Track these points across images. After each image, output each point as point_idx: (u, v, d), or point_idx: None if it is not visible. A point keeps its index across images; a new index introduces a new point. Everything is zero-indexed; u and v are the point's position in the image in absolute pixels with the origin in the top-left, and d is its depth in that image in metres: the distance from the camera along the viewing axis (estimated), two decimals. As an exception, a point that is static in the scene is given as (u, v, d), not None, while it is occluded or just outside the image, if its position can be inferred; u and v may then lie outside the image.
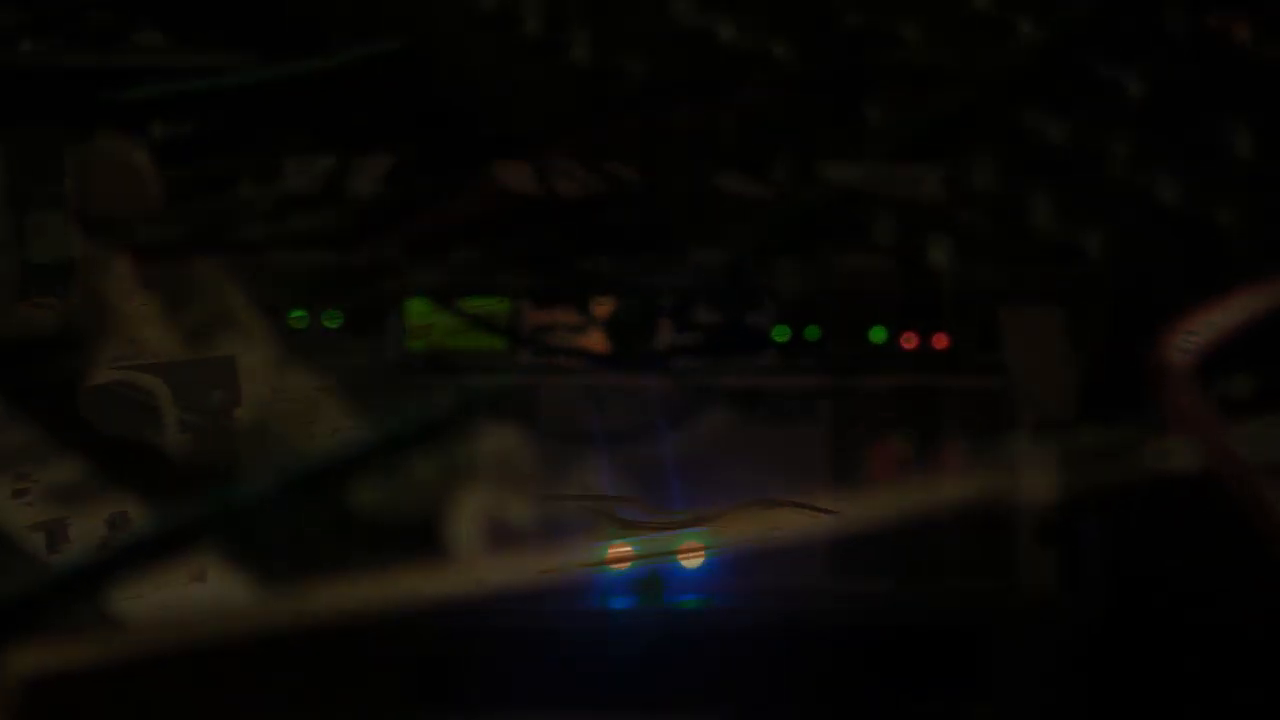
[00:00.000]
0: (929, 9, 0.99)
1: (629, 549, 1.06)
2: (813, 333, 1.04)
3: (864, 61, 0.99)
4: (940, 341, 1.05)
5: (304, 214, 0.98)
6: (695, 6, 1.00)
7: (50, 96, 1.01)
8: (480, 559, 1.02)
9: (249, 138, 0.99)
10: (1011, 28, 0.98)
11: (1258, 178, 0.98)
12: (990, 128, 0.99)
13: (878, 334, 1.04)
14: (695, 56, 0.99)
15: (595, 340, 1.04)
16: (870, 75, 0.98)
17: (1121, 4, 0.99)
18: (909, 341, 1.04)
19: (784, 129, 0.98)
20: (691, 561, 1.06)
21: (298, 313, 1.02)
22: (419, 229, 0.99)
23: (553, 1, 0.99)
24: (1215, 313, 0.98)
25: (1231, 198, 0.97)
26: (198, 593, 0.96)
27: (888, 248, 0.99)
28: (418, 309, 1.03)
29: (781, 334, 1.06)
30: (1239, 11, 0.98)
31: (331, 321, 1.03)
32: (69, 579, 0.89)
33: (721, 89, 0.98)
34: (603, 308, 1.04)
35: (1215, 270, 0.97)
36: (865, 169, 1.00)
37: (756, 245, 1.00)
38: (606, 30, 0.98)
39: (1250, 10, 0.98)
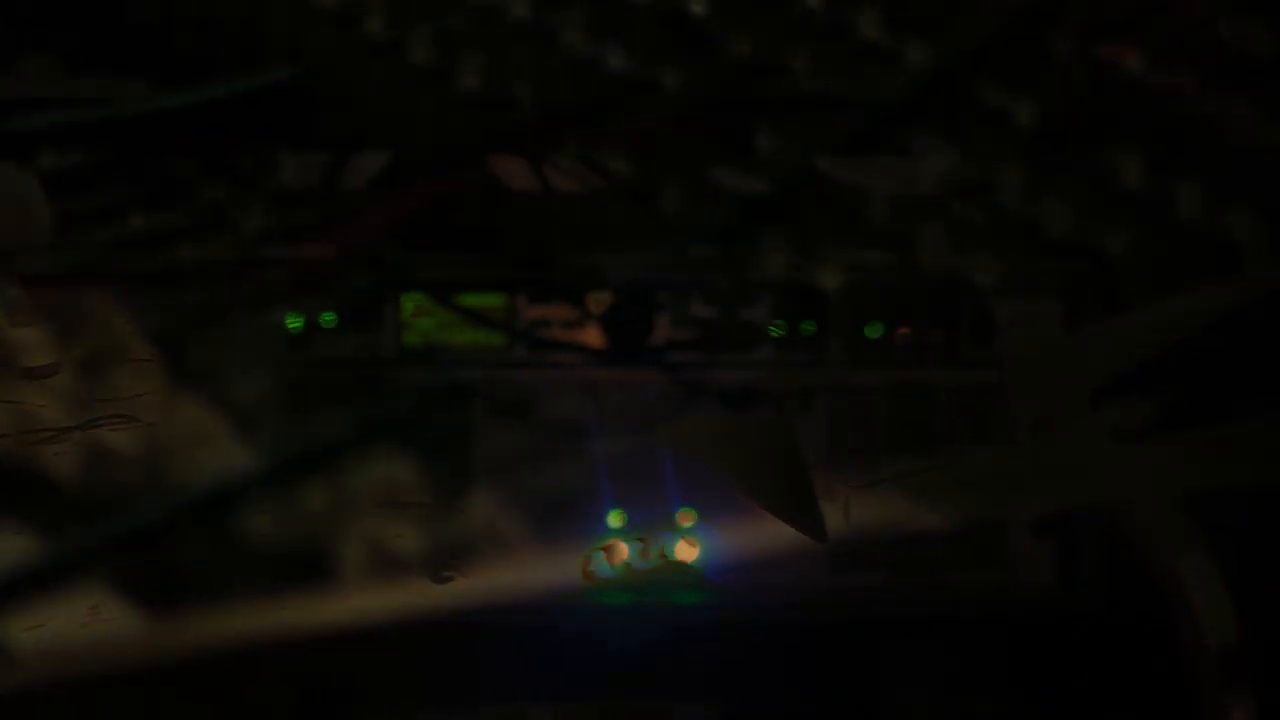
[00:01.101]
0: (817, 38, 0.99)
1: (625, 545, 1.06)
2: (808, 328, 1.05)
3: (753, 90, 0.99)
4: (936, 336, 1.06)
5: (193, 243, 0.98)
6: (585, 36, 1.00)
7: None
8: (368, 582, 1.02)
9: (139, 167, 0.99)
10: (899, 56, 0.98)
11: (1146, 206, 0.98)
12: (879, 155, 0.99)
13: (873, 329, 1.05)
14: (584, 84, 0.99)
15: (591, 336, 1.06)
16: (760, 103, 0.98)
17: (1011, 33, 0.99)
18: (904, 336, 1.05)
19: (673, 155, 0.99)
20: (687, 556, 1.07)
21: (293, 316, 1.03)
22: (308, 259, 0.99)
23: (441, 32, 0.99)
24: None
25: (1120, 226, 0.97)
26: (89, 623, 0.96)
27: (884, 242, 0.99)
28: (413, 305, 1.04)
29: (777, 329, 1.06)
30: (1128, 41, 0.98)
31: (328, 320, 1.03)
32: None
33: (611, 116, 0.98)
34: (598, 303, 1.04)
35: (1102, 297, 0.98)
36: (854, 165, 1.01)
37: (752, 240, 1.00)
38: (496, 59, 0.98)
39: (1140, 40, 0.98)
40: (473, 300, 1.04)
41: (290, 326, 1.03)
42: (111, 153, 0.99)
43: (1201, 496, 0.96)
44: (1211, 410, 0.97)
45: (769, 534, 1.06)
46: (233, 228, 0.98)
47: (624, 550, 1.05)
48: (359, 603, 1.04)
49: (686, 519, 1.06)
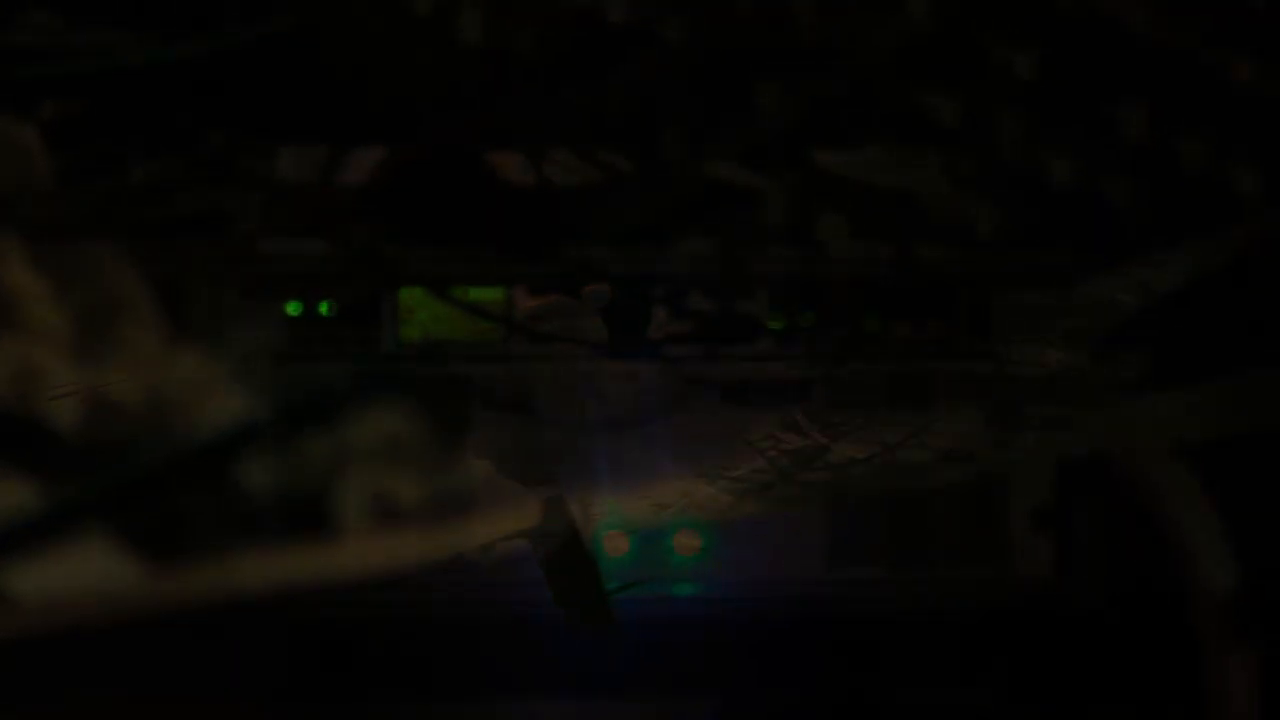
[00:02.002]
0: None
1: (623, 536, 1.06)
2: (807, 320, 1.05)
3: (755, 41, 0.99)
4: (933, 328, 1.05)
5: (195, 195, 0.98)
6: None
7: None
8: (368, 539, 1.01)
9: (139, 118, 0.99)
10: (901, 7, 0.98)
11: (1148, 157, 0.98)
12: (881, 107, 0.99)
13: (871, 321, 1.05)
14: (584, 36, 0.99)
15: (589, 328, 1.05)
16: (761, 55, 0.98)
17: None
18: (902, 328, 1.05)
19: (673, 109, 0.98)
20: (685, 549, 1.07)
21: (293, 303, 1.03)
22: (315, 208, 0.99)
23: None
24: (1107, 289, 0.98)
25: (1123, 177, 0.97)
26: (86, 572, 0.96)
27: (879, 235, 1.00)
28: (412, 297, 1.04)
29: (776, 321, 1.06)
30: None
31: (326, 309, 1.03)
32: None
33: (610, 68, 0.98)
34: (597, 295, 1.04)
35: (1106, 248, 0.97)
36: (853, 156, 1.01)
37: (751, 233, 1.00)
38: (496, 10, 0.98)
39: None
40: (470, 293, 1.04)
41: (290, 312, 1.03)
42: (112, 103, 0.99)
43: (1202, 447, 0.96)
44: (1211, 359, 0.97)
45: (766, 526, 1.06)
46: (234, 177, 0.99)
47: (622, 542, 1.05)
48: (358, 555, 1.04)
49: (684, 511, 1.06)
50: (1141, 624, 1.02)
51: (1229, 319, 0.97)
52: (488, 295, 1.04)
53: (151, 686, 0.98)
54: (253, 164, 1.01)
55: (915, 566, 1.04)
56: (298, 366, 1.01)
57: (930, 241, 1.00)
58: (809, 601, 1.04)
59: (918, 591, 1.04)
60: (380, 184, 1.00)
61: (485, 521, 1.02)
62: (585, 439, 1.04)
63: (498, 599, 1.03)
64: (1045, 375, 0.99)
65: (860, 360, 1.03)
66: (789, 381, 1.04)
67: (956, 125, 0.98)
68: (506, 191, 1.01)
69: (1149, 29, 0.97)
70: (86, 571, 0.95)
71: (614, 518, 1.04)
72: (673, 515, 1.03)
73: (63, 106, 0.99)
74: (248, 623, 1.01)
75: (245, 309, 1.00)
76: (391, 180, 1.00)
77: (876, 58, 0.97)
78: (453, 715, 1.05)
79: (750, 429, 1.05)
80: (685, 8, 0.98)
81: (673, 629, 1.04)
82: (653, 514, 1.03)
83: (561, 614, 1.02)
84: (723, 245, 1.00)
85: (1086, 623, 1.03)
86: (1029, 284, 1.01)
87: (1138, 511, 0.99)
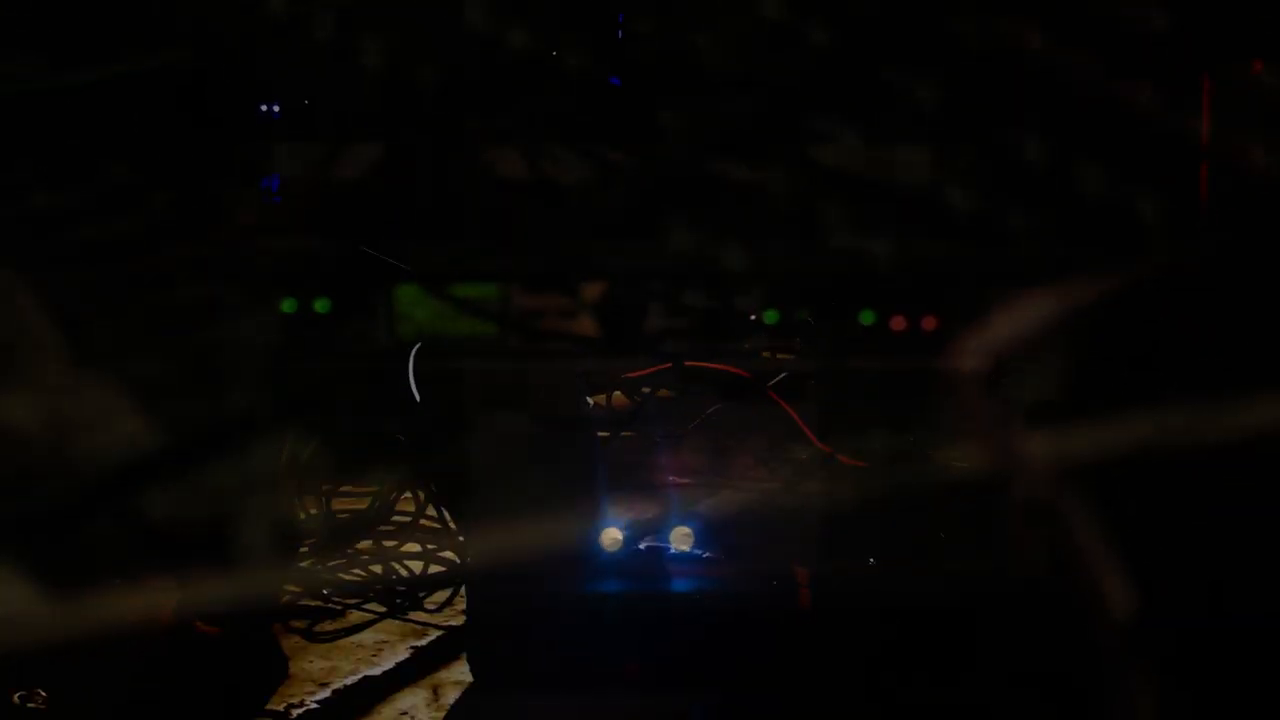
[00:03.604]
0: (719, 16, 0.99)
1: (620, 532, 1.06)
2: (802, 316, 1.05)
3: (657, 70, 0.99)
4: (929, 323, 1.06)
5: (94, 223, 0.97)
6: (487, 13, 0.99)
7: None
8: (270, 562, 1.02)
9: (40, 147, 0.99)
10: (801, 35, 0.98)
11: (1048, 183, 0.98)
12: (781, 134, 0.99)
13: (867, 316, 1.05)
14: (487, 62, 0.99)
15: (586, 325, 1.05)
16: (663, 83, 0.98)
17: (909, 10, 0.99)
18: (898, 324, 1.05)
19: (577, 133, 0.99)
20: (682, 544, 1.07)
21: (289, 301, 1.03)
22: (213, 237, 0.99)
23: (344, 10, 0.99)
24: (1005, 318, 0.98)
25: (1022, 204, 0.97)
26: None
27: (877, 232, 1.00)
28: (407, 295, 1.04)
29: (772, 317, 1.06)
30: (1028, 17, 0.98)
31: (322, 307, 1.03)
32: None
33: (514, 95, 0.98)
34: (593, 292, 1.04)
35: (1006, 276, 0.98)
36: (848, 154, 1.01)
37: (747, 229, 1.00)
38: (398, 37, 0.98)
39: (1040, 16, 0.98)
40: (466, 290, 1.03)
41: (284, 310, 1.03)
42: (12, 132, 0.99)
43: (1099, 473, 0.96)
44: (1111, 387, 0.97)
45: (762, 521, 1.06)
46: (135, 208, 0.98)
47: (619, 538, 1.06)
48: (262, 581, 1.04)
49: (681, 508, 1.07)
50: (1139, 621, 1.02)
51: (1129, 345, 0.98)
52: (483, 292, 1.04)
53: (61, 711, 0.98)
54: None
55: (909, 560, 1.05)
56: (294, 364, 1.01)
57: (928, 237, 1.00)
58: (802, 595, 1.04)
59: (911, 585, 1.05)
60: (374, 182, 1.00)
61: (483, 519, 1.02)
62: (583, 436, 1.05)
63: (497, 595, 1.04)
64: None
65: (856, 355, 1.04)
66: (784, 376, 1.05)
67: (857, 149, 0.98)
68: (502, 188, 1.01)
69: (1049, 58, 0.97)
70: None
71: (612, 515, 1.05)
72: (670, 512, 1.04)
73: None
74: (154, 648, 1.01)
75: (145, 337, 1.00)
76: (386, 178, 1.00)
77: (777, 85, 0.98)
78: (453, 712, 1.05)
79: (747, 424, 1.06)
80: (586, 35, 0.98)
81: (672, 625, 1.05)
82: (650, 510, 1.04)
83: (561, 610, 1.03)
84: (718, 241, 1.00)
85: (1079, 618, 1.03)
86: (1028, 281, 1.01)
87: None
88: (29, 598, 0.94)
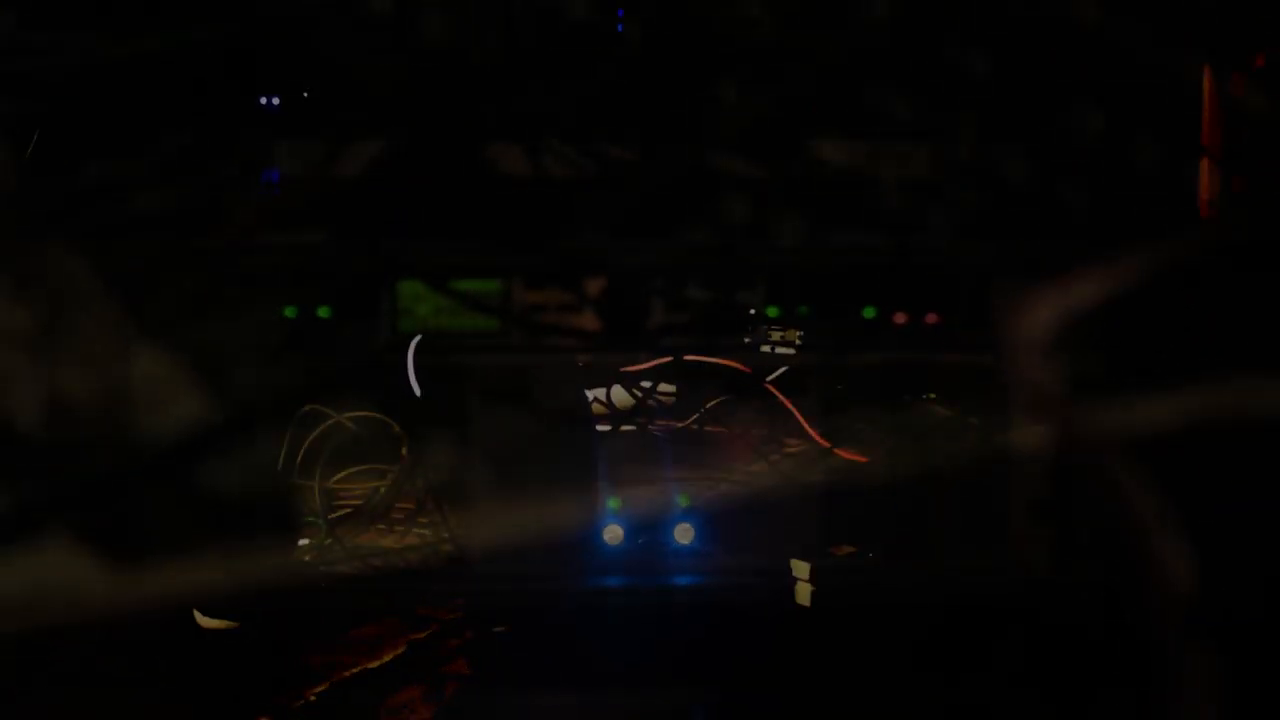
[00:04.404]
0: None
1: (620, 526, 1.07)
2: (804, 310, 1.05)
3: (714, 41, 0.99)
4: (931, 318, 1.06)
5: (148, 194, 0.97)
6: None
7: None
8: (330, 538, 1.02)
9: (96, 117, 0.98)
10: (859, 8, 0.98)
11: (1103, 156, 0.98)
12: (838, 107, 0.99)
13: (869, 311, 1.06)
14: (546, 35, 0.99)
15: (587, 320, 1.05)
16: (720, 54, 0.98)
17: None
18: (900, 318, 1.06)
19: (633, 109, 0.99)
20: (683, 539, 1.07)
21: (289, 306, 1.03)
22: (267, 209, 0.99)
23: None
24: (1063, 291, 0.99)
25: (1078, 176, 0.98)
26: (52, 574, 0.96)
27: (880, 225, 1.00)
28: (410, 290, 1.04)
29: (773, 312, 1.06)
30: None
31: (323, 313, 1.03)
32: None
33: (572, 68, 0.98)
34: (595, 287, 1.04)
35: (1062, 249, 0.98)
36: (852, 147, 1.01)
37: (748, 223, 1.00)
38: (456, 9, 0.98)
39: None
40: (468, 285, 1.03)
41: (286, 314, 1.03)
42: (68, 103, 0.98)
43: (1161, 445, 0.97)
44: (1170, 360, 0.98)
45: (764, 515, 1.07)
46: (188, 177, 0.98)
47: (620, 533, 1.06)
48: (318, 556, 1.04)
49: (683, 503, 1.07)
50: (1139, 617, 1.03)
51: (1185, 320, 0.99)
52: (485, 287, 1.04)
53: (118, 684, 0.98)
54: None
55: (913, 555, 1.05)
56: (294, 361, 1.01)
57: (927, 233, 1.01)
58: (808, 593, 1.05)
59: (915, 580, 1.05)
60: (378, 177, 1.00)
61: (482, 514, 1.02)
62: (584, 431, 1.05)
63: (496, 591, 1.04)
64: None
65: (858, 351, 1.04)
66: (786, 370, 1.05)
67: (912, 123, 0.98)
68: (504, 184, 1.01)
69: (1103, 30, 0.98)
70: (50, 573, 0.94)
71: (613, 509, 1.05)
72: (672, 506, 1.04)
73: (19, 106, 0.98)
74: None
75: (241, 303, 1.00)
76: (389, 173, 1.00)
77: (834, 58, 0.98)
78: (453, 708, 1.05)
79: (749, 424, 1.06)
80: (644, 9, 0.98)
81: (672, 620, 1.05)
82: (652, 505, 1.04)
83: (560, 606, 1.03)
84: (721, 236, 1.00)
85: (1086, 616, 1.04)
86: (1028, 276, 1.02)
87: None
88: (85, 572, 0.94)
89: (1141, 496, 0.97)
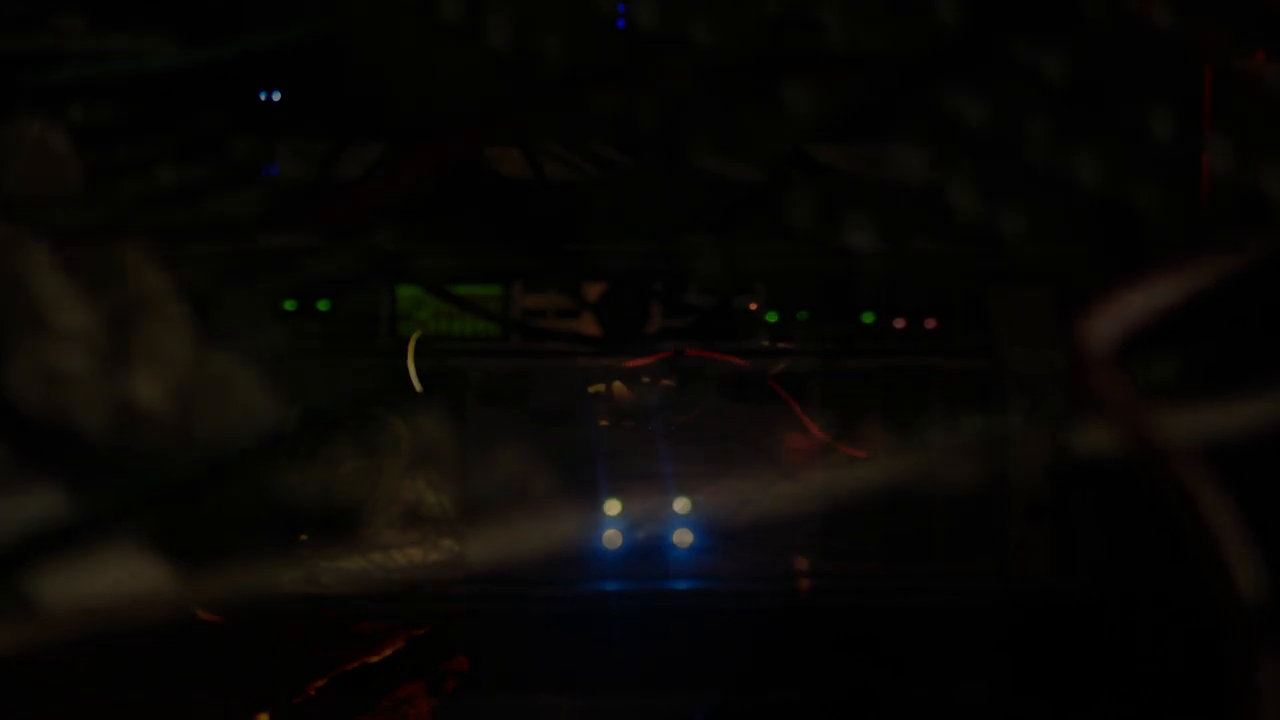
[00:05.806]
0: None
1: (621, 530, 1.07)
2: (802, 315, 1.05)
3: (783, 46, 0.99)
4: (929, 323, 1.06)
5: (223, 197, 0.98)
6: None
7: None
8: (401, 542, 1.02)
9: (168, 121, 0.99)
10: (930, 11, 0.98)
11: (1175, 160, 0.98)
12: (909, 110, 0.99)
13: (867, 316, 1.05)
14: (614, 41, 0.99)
15: (587, 323, 1.05)
16: (790, 60, 0.98)
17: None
18: (899, 323, 1.05)
19: (702, 113, 0.99)
20: (682, 542, 1.07)
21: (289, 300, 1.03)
22: (342, 211, 0.99)
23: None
24: (1135, 294, 0.98)
25: (1150, 179, 0.97)
26: (116, 578, 0.96)
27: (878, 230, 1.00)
28: (409, 294, 1.04)
29: (772, 316, 1.06)
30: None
31: (323, 306, 1.03)
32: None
33: (641, 73, 0.98)
34: (594, 291, 1.04)
35: (1133, 251, 0.98)
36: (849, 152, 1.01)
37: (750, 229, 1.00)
38: (526, 15, 0.98)
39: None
40: (468, 289, 1.04)
41: (285, 308, 1.03)
42: (140, 107, 0.99)
43: (1230, 451, 0.96)
44: (1239, 363, 0.97)
45: (762, 519, 1.06)
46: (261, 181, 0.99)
47: (619, 537, 1.06)
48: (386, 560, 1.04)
49: (682, 506, 1.06)
50: (1141, 621, 1.02)
51: (1257, 323, 0.98)
52: (485, 291, 1.04)
53: (186, 688, 0.98)
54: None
55: (909, 558, 1.04)
56: (294, 363, 1.01)
57: (928, 237, 1.00)
58: (808, 596, 1.04)
59: (911, 583, 1.04)
60: (385, 184, 1.00)
61: (486, 519, 1.02)
62: (584, 435, 1.04)
63: (497, 594, 1.04)
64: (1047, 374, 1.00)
65: (857, 355, 1.03)
66: (785, 375, 1.05)
67: (982, 126, 0.98)
68: (505, 188, 1.02)
69: (1177, 31, 0.97)
70: (119, 577, 0.95)
71: (613, 513, 1.05)
72: (671, 510, 1.04)
73: (91, 110, 0.99)
74: (276, 626, 1.01)
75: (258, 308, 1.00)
76: (396, 179, 1.00)
77: (905, 61, 0.97)
78: (453, 709, 1.05)
79: (749, 424, 1.06)
80: (713, 13, 0.98)
81: (672, 624, 1.04)
82: (652, 509, 1.03)
83: (561, 608, 1.02)
84: (721, 240, 1.00)
85: (1083, 618, 1.03)
86: (1029, 281, 1.01)
87: (1144, 511, 0.99)
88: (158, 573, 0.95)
89: (1216, 505, 0.96)
